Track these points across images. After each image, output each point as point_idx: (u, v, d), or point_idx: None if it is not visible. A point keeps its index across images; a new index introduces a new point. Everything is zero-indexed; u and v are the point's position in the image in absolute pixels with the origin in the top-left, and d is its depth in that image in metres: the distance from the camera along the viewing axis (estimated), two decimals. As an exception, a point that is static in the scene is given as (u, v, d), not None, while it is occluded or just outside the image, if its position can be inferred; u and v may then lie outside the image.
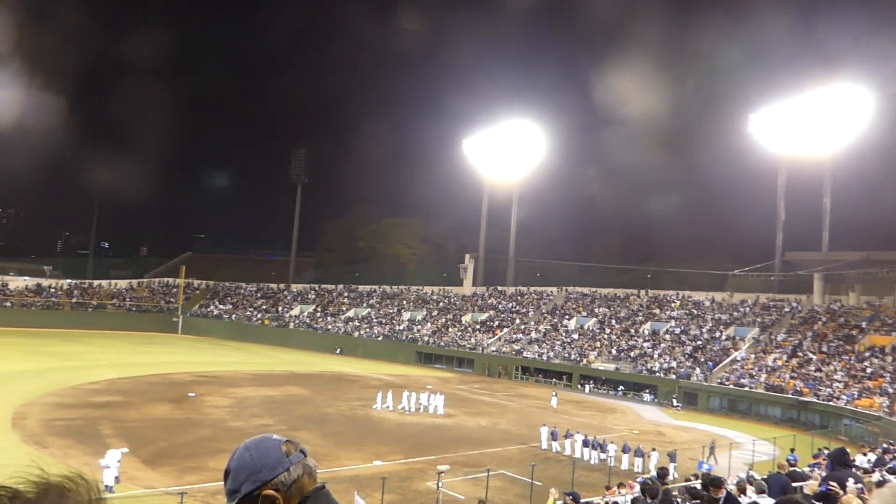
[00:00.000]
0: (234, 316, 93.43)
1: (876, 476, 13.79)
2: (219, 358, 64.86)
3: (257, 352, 73.57)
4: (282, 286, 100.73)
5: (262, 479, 1.78)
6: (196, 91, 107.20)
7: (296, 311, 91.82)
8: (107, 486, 22.84)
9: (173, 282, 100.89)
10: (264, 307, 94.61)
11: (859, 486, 7.81)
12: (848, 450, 13.48)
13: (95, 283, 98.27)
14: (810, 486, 8.28)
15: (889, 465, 15.68)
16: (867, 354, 50.68)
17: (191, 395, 43.62)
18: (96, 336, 77.58)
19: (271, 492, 1.78)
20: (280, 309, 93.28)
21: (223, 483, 1.83)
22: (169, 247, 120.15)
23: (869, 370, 48.54)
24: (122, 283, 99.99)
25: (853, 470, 9.43)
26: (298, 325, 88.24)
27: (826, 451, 25.65)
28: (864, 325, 55.14)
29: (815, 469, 17.07)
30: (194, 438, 31.90)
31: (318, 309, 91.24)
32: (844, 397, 45.79)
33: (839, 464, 9.01)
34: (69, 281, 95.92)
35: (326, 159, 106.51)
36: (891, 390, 44.65)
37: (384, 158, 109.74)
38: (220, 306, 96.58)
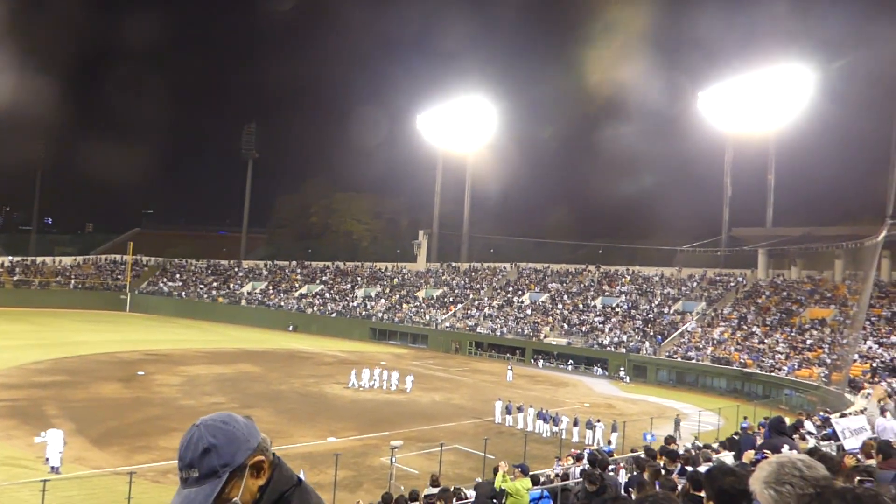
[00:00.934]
0: (184, 293, 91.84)
1: (812, 442, 14.38)
2: (169, 336, 63.84)
3: (208, 329, 72.60)
4: (233, 263, 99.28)
5: (251, 447, 1.89)
6: (143, 65, 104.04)
7: (248, 287, 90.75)
8: (53, 468, 22.43)
9: (121, 259, 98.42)
10: (215, 284, 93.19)
11: (794, 452, 8.15)
12: (785, 418, 14.02)
13: (39, 259, 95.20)
14: (747, 455, 8.60)
15: (825, 432, 16.34)
16: (807, 327, 52.52)
17: (140, 373, 42.94)
18: (41, 314, 75.49)
19: (261, 456, 1.90)
20: (231, 286, 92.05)
21: (191, 466, 1.84)
22: (116, 223, 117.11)
23: (809, 342, 50.32)
24: (68, 260, 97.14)
25: (789, 437, 9.82)
26: (250, 301, 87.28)
27: (767, 421, 26.67)
28: (804, 298, 57.06)
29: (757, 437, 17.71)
30: (144, 417, 31.49)
31: (271, 286, 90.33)
32: (786, 368, 47.45)
33: (776, 432, 9.39)
34: (10, 258, 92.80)
35: (278, 134, 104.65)
36: (829, 361, 46.39)
37: (336, 133, 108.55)
38: (170, 283, 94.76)
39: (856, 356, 42.97)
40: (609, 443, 30.33)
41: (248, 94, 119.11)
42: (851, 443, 9.64)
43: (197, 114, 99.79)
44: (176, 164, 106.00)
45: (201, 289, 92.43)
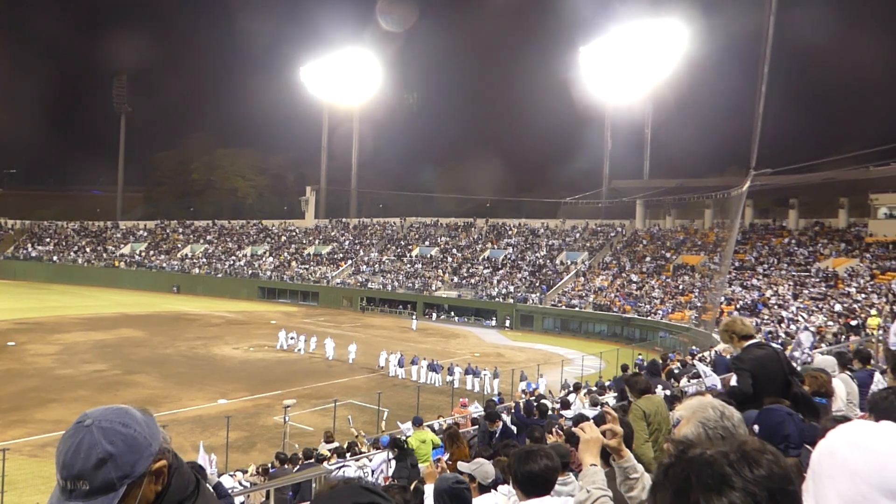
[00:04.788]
0: (55, 258, 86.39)
1: (694, 387, 15.48)
2: (41, 303, 60.09)
3: (85, 294, 68.85)
4: (109, 224, 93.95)
5: (153, 452, 1.64)
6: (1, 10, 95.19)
7: (126, 249, 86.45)
8: None
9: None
10: (90, 247, 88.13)
11: (667, 392, 8.79)
12: (658, 360, 14.98)
13: None
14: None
15: (694, 371, 17.61)
16: (680, 272, 55.91)
17: (10, 343, 40.33)
18: None
19: (164, 461, 1.67)
20: (108, 248, 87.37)
21: (80, 477, 1.55)
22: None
23: (681, 287, 53.66)
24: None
25: (664, 379, 10.54)
26: (130, 264, 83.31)
27: (642, 359, 28.39)
28: (677, 246, 60.60)
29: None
30: (17, 390, 29.74)
31: (151, 247, 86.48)
32: (661, 312, 50.49)
33: (650, 373, 10.07)
34: None
35: (152, 87, 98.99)
36: (699, 304, 49.71)
37: (216, 86, 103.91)
38: (39, 247, 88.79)
39: (722, 298, 46.25)
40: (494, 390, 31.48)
41: (119, 43, 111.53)
42: (712, 380, 10.46)
43: (63, 64, 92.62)
44: (40, 119, 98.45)
45: (75, 252, 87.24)
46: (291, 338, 42.75)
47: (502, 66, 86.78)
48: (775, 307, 43.00)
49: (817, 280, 46.15)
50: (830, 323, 37.16)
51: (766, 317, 41.68)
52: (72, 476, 1.55)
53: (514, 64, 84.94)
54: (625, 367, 16.88)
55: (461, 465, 5.71)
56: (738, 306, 44.59)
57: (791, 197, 55.68)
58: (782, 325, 38.65)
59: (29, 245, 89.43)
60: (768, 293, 45.68)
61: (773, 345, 6.44)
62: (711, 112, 68.19)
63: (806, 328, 28.22)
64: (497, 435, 11.13)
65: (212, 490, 1.80)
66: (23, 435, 23.22)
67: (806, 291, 44.56)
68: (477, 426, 13.17)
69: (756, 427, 3.58)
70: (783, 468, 1.20)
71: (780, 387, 5.03)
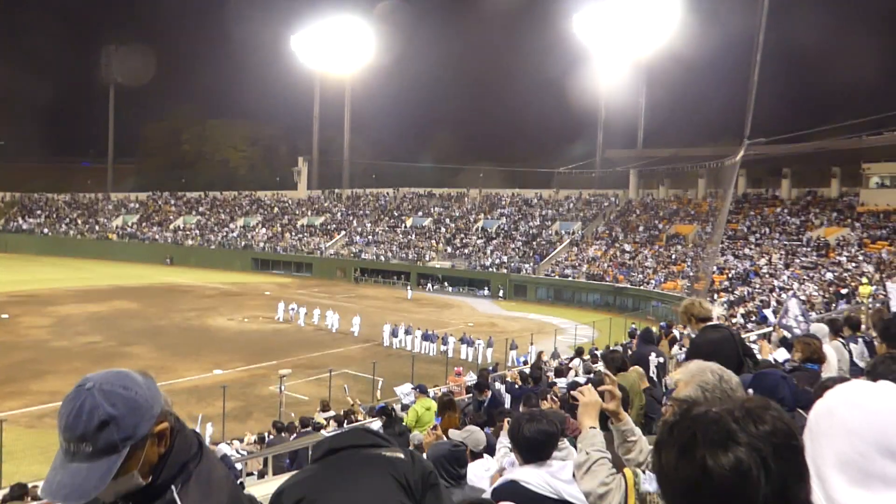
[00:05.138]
0: (46, 230, 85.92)
1: (676, 349, 15.67)
2: (33, 276, 59.87)
3: (78, 267, 68.66)
4: (100, 196, 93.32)
5: (155, 414, 1.67)
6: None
7: (118, 221, 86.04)
8: None
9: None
10: (81, 219, 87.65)
11: (660, 359, 8.90)
12: (653, 328, 15.13)
13: None
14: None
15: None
16: (673, 242, 56.10)
17: (4, 316, 40.30)
18: None
19: (166, 424, 1.71)
20: (100, 220, 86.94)
21: (83, 440, 1.57)
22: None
23: (674, 256, 53.87)
24: None
25: (655, 346, 10.65)
26: (122, 236, 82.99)
27: (635, 328, 28.61)
28: (670, 216, 60.69)
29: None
30: (12, 362, 29.78)
31: (143, 218, 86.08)
32: (653, 282, 50.74)
33: (644, 341, 10.18)
34: None
35: (141, 56, 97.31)
36: (691, 273, 49.97)
37: (206, 56, 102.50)
38: (30, 220, 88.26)
39: (714, 268, 46.50)
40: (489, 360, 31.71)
41: (106, 13, 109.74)
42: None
43: (50, 35, 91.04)
44: (27, 90, 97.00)
45: (66, 224, 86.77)
46: (291, 309, 42.69)
47: (496, 34, 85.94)
48: (767, 276, 43.28)
49: (808, 249, 46.40)
50: (817, 292, 37.49)
51: (757, 285, 41.99)
52: (75, 438, 1.57)
53: (508, 32, 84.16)
54: (632, 332, 17.03)
55: (453, 433, 5.80)
56: (729, 275, 44.87)
57: (784, 167, 55.71)
58: (773, 293, 38.97)
59: (19, 217, 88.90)
60: (761, 262, 45.93)
61: (728, 325, 6.59)
62: (706, 81, 67.86)
63: (794, 295, 28.44)
64: (486, 404, 11.26)
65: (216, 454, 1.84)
66: (20, 406, 23.32)
67: (798, 260, 44.83)
68: (471, 395, 13.32)
69: (751, 391, 3.64)
70: (787, 424, 1.22)
71: (734, 368, 5.12)
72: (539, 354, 25.38)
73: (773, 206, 54.88)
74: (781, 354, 8.23)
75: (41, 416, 22.04)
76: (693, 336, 5.87)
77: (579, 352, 19.78)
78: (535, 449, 3.38)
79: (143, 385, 1.67)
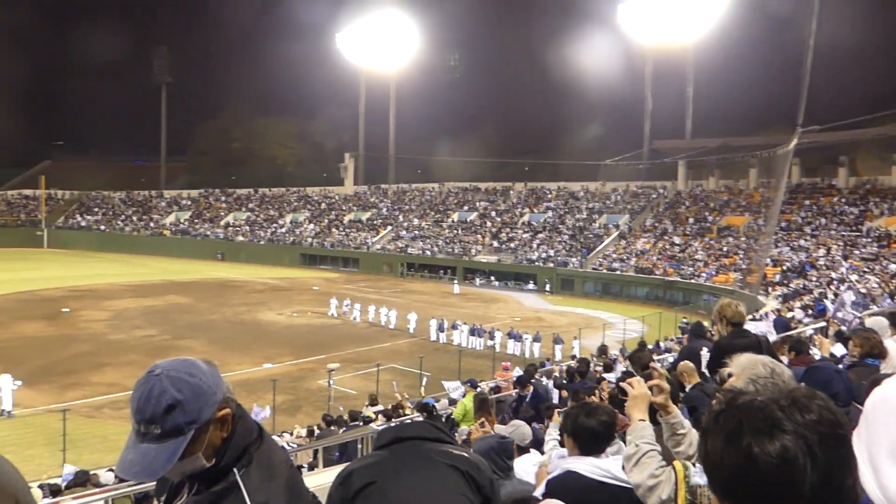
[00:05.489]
0: (103, 227, 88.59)
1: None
2: (91, 271, 61.82)
3: (133, 262, 70.60)
4: (153, 193, 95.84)
5: (217, 400, 1.78)
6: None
7: (171, 218, 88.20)
8: (7, 412, 22.09)
9: (33, 193, 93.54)
10: (136, 216, 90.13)
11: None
12: (704, 322, 14.84)
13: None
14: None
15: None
16: (724, 234, 54.95)
17: (65, 310, 41.70)
18: (-51, 255, 71.75)
19: (228, 409, 1.81)
20: (154, 217, 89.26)
21: (152, 422, 1.70)
22: (23, 156, 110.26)
23: (725, 248, 52.78)
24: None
25: (707, 340, 10.45)
26: (175, 232, 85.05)
27: (686, 322, 28.10)
28: (721, 207, 59.45)
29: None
30: (72, 354, 30.83)
31: (195, 215, 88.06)
32: (704, 275, 49.78)
33: (695, 335, 9.99)
34: None
35: (191, 57, 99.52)
36: (743, 266, 48.90)
37: (254, 55, 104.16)
38: (88, 217, 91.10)
39: (768, 260, 45.39)
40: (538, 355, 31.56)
41: (157, 14, 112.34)
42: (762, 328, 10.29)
43: (103, 38, 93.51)
44: (83, 92, 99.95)
45: (122, 221, 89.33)
46: (346, 305, 43.12)
47: (539, 25, 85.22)
48: (824, 268, 42.08)
49: (868, 240, 44.94)
50: (878, 285, 36.28)
51: (814, 278, 40.85)
52: (144, 420, 1.71)
53: (552, 23, 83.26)
54: (683, 327, 16.69)
55: (499, 428, 5.81)
56: (784, 267, 43.75)
57: (840, 154, 54.03)
58: (831, 286, 37.86)
59: (78, 215, 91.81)
60: (818, 254, 44.67)
61: (758, 333, 6.39)
62: (755, 68, 66.17)
63: (850, 287, 27.56)
64: (528, 399, 11.22)
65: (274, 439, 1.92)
66: (80, 397, 24.12)
67: (857, 252, 43.46)
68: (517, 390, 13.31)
69: (803, 385, 3.56)
70: (833, 413, 1.21)
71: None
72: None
73: (829, 196, 53.31)
74: (839, 350, 8.00)
75: (100, 406, 22.77)
76: (719, 337, 5.76)
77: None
78: (592, 440, 3.39)
79: (207, 372, 1.80)
